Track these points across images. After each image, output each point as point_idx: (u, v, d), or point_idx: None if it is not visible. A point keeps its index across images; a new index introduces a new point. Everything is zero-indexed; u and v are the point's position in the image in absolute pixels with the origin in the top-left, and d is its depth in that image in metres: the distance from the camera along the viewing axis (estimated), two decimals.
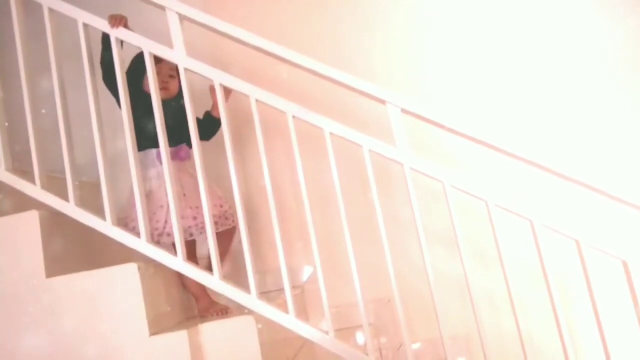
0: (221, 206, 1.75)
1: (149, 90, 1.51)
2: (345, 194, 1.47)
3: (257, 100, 1.50)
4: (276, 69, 1.76)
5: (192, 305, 1.67)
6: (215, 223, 1.61)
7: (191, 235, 1.65)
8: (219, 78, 1.50)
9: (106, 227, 1.48)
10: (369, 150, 1.47)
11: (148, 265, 1.46)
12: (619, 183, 1.37)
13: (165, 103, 1.55)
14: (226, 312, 1.59)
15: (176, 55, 1.52)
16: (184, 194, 1.67)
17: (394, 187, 1.75)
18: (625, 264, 1.32)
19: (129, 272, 1.40)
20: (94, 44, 1.60)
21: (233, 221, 1.75)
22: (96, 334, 1.39)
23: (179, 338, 1.37)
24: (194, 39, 1.60)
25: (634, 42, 2.12)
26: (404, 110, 1.47)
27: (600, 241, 1.31)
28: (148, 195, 1.61)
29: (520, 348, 1.35)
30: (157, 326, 1.42)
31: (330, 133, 1.48)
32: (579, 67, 2.13)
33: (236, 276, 1.58)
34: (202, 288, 1.61)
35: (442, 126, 1.47)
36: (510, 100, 2.14)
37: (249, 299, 1.43)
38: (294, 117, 1.49)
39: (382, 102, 1.48)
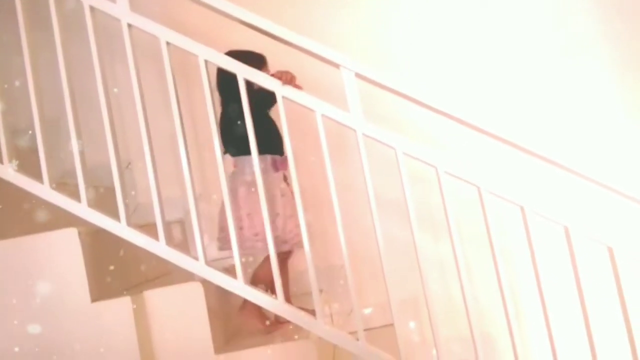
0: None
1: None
2: (299, 160, 1.45)
3: (206, 61, 1.44)
4: (229, 31, 1.69)
5: (139, 272, 1.62)
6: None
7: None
8: (165, 36, 1.43)
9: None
10: (322, 115, 1.44)
11: (90, 229, 1.40)
12: (585, 161, 1.40)
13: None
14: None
15: (118, 9, 1.43)
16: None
17: (349, 155, 1.74)
18: (610, 250, 1.34)
19: (69, 236, 1.35)
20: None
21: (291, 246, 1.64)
22: (36, 300, 1.33)
23: (122, 304, 1.33)
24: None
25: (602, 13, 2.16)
26: (358, 75, 1.45)
27: (544, 208, 1.34)
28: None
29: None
30: (100, 293, 1.37)
31: (283, 97, 1.44)
32: (554, 44, 2.17)
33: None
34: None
35: (396, 92, 1.45)
36: (478, 78, 2.16)
37: (197, 265, 1.40)
38: (245, 80, 1.44)
39: (336, 66, 1.45)
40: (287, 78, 1.47)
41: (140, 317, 1.37)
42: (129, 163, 1.90)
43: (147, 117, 1.46)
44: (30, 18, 1.49)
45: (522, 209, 1.35)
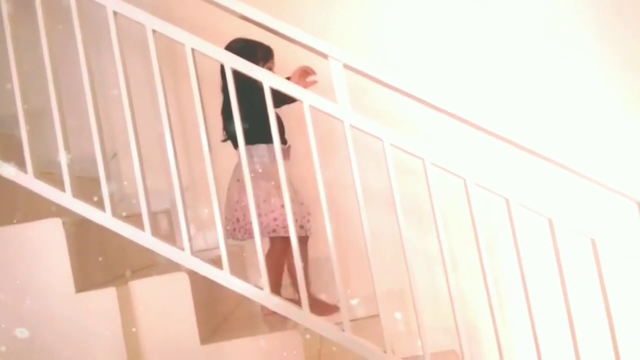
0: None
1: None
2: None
3: (193, 50, 1.42)
4: (218, 20, 1.68)
5: (125, 263, 1.60)
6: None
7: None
8: (151, 24, 1.41)
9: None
10: (310, 106, 1.44)
11: (74, 220, 1.39)
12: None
13: None
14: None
15: None
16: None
17: (337, 146, 1.74)
18: (593, 242, 1.35)
19: (53, 227, 1.33)
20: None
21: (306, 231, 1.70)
22: (20, 291, 1.32)
23: (107, 295, 1.33)
24: None
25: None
26: (346, 66, 1.44)
27: (529, 199, 1.36)
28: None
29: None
30: (85, 283, 1.36)
31: (270, 87, 1.43)
32: (538, 31, 2.18)
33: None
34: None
35: (384, 83, 1.45)
36: (467, 71, 2.18)
37: (183, 255, 1.39)
38: (233, 70, 1.42)
39: (325, 56, 1.44)
40: (295, 78, 1.48)
41: (126, 307, 1.36)
42: (115, 153, 1.88)
43: (134, 107, 1.44)
44: (14, 6, 1.46)
45: (507, 201, 1.36)
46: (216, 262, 1.42)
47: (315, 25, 1.92)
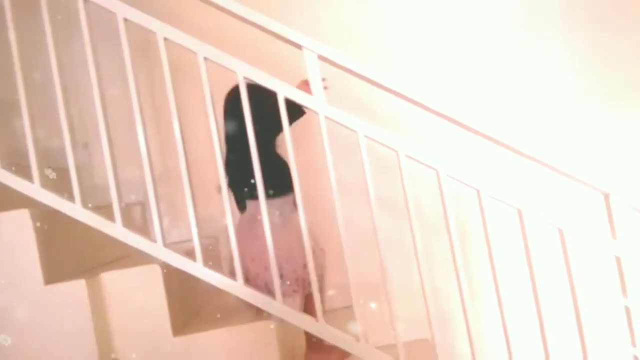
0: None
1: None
2: None
3: (165, 39, 1.40)
4: (193, 10, 1.66)
5: (96, 255, 1.58)
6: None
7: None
8: (123, 12, 1.39)
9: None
10: (285, 98, 1.43)
11: (44, 211, 1.36)
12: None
13: None
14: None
15: None
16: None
17: (313, 138, 1.73)
18: (561, 232, 1.38)
19: (21, 217, 1.31)
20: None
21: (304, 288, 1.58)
22: None
23: (76, 287, 1.31)
24: None
25: None
26: (321, 57, 1.44)
27: (499, 191, 1.38)
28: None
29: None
30: (55, 275, 1.34)
31: (244, 77, 1.42)
32: (507, 22, 2.20)
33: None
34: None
35: (359, 75, 1.45)
36: (435, 64, 2.19)
37: (155, 247, 1.38)
38: (205, 58, 1.41)
39: (299, 47, 1.44)
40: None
41: (97, 299, 1.34)
42: (87, 143, 1.85)
43: (104, 97, 1.42)
44: None
45: (478, 192, 1.38)
46: (191, 255, 1.41)
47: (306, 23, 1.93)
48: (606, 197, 1.40)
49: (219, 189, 1.50)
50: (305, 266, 1.47)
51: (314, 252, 1.43)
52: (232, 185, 1.53)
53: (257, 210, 1.42)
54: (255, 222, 1.46)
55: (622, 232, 1.39)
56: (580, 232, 1.37)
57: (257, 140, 1.39)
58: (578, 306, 1.36)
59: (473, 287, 1.50)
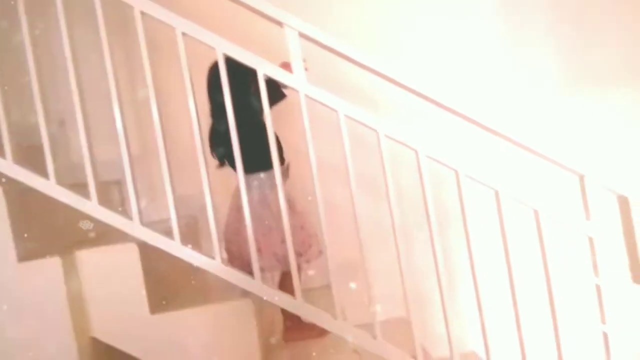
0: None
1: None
2: None
3: (143, 13, 1.37)
4: None
5: (73, 233, 1.56)
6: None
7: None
8: None
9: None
10: (264, 75, 1.42)
11: (18, 188, 1.33)
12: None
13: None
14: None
15: None
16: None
17: (294, 117, 1.72)
18: (536, 213, 1.39)
19: None
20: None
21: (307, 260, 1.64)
22: None
23: (51, 264, 1.29)
24: None
25: None
26: (302, 35, 1.42)
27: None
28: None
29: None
30: (29, 253, 1.32)
31: (224, 54, 1.40)
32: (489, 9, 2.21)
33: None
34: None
35: (339, 53, 1.44)
36: (418, 46, 2.19)
37: (131, 225, 1.36)
38: (184, 34, 1.38)
39: (280, 24, 1.42)
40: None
41: (72, 277, 1.33)
42: (63, 121, 1.81)
43: (80, 74, 1.39)
44: None
45: (456, 172, 1.39)
46: (170, 234, 1.40)
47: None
48: (581, 178, 1.42)
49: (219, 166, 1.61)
50: (283, 242, 1.47)
51: (293, 227, 1.43)
52: (229, 157, 1.54)
53: (265, 184, 1.55)
54: (236, 192, 1.48)
55: (597, 214, 1.42)
56: (555, 213, 1.40)
57: (245, 112, 1.40)
58: (551, 285, 1.39)
59: (451, 266, 1.52)
